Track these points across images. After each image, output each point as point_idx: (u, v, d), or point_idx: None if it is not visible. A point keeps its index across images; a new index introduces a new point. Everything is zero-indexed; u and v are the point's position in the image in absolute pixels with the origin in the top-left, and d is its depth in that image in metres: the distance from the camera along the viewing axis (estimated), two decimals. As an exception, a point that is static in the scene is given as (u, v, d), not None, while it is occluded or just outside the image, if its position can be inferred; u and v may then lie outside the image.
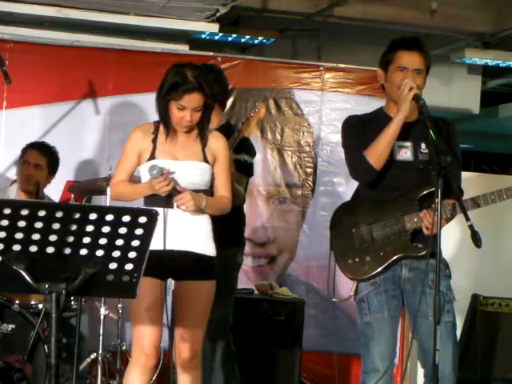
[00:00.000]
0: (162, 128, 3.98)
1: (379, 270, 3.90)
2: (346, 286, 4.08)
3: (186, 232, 3.88)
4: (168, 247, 3.81)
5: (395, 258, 3.90)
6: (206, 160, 3.95)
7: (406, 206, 3.91)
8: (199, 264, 3.92)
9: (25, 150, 5.35)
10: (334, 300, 4.06)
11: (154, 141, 3.95)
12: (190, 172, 3.90)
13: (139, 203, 3.95)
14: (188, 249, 3.88)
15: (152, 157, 3.92)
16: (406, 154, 3.94)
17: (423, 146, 3.95)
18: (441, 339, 3.60)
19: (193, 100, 3.87)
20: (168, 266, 3.83)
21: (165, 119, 3.94)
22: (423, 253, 3.83)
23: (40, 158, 5.31)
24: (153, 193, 3.85)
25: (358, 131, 4.01)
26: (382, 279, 3.92)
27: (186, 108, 3.87)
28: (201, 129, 3.97)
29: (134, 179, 4.05)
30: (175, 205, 3.84)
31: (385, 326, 3.92)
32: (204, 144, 3.98)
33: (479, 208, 3.89)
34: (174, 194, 3.82)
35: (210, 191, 3.98)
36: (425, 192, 3.88)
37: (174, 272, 3.90)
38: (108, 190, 4.90)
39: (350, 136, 4.06)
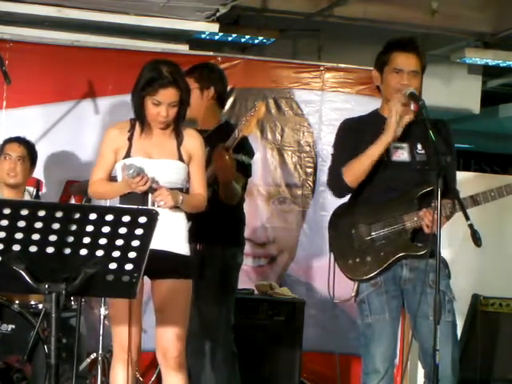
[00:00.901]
0: (138, 125, 3.98)
1: (380, 270, 3.91)
2: (345, 286, 4.08)
3: (161, 231, 3.84)
4: None
5: (395, 257, 3.90)
6: (181, 159, 3.95)
7: (405, 205, 3.91)
8: (175, 263, 3.91)
9: (3, 146, 5.32)
10: (335, 301, 4.05)
11: (130, 139, 3.95)
12: (166, 171, 3.90)
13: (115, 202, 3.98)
14: (163, 248, 3.85)
15: (127, 155, 3.92)
16: (402, 155, 3.94)
17: (419, 146, 3.95)
18: (441, 339, 3.60)
19: (168, 95, 3.87)
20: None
21: (140, 115, 3.94)
22: (423, 252, 3.83)
23: (22, 150, 5.26)
24: (129, 191, 3.85)
25: (349, 138, 4.02)
26: (383, 280, 3.93)
27: (162, 103, 3.87)
28: (176, 125, 3.96)
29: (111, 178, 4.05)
30: (150, 203, 3.83)
31: (386, 327, 3.92)
32: (179, 142, 3.98)
33: (480, 206, 3.90)
34: (151, 191, 3.82)
35: (185, 190, 3.98)
36: (423, 191, 3.89)
37: (150, 271, 3.88)
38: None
39: (339, 144, 4.08)
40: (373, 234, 3.94)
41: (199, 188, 4.02)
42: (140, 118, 3.95)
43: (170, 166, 3.93)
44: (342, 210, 4.07)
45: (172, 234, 3.91)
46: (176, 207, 3.88)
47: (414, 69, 3.91)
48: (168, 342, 3.91)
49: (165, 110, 3.88)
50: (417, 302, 3.81)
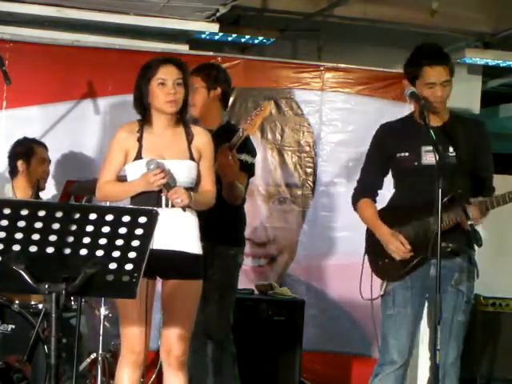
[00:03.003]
0: (147, 126, 3.98)
1: (407, 269, 4.01)
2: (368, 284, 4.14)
3: (173, 231, 3.87)
4: (156, 246, 3.81)
5: (419, 259, 3.98)
6: (192, 158, 3.96)
7: (433, 209, 3.91)
8: (187, 263, 3.91)
9: (32, 147, 5.35)
10: (365, 299, 4.12)
11: (140, 140, 3.94)
12: (178, 171, 3.90)
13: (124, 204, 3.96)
14: (176, 248, 3.87)
15: (138, 156, 3.91)
16: (432, 158, 3.92)
17: (451, 149, 4.03)
18: (451, 337, 3.82)
19: (170, 71, 3.92)
20: (156, 265, 3.81)
21: (144, 106, 3.95)
22: (449, 250, 3.93)
23: (47, 153, 5.37)
24: (144, 190, 3.85)
25: (378, 149, 4.19)
26: (410, 276, 4.03)
27: (167, 81, 3.90)
28: (182, 113, 3.98)
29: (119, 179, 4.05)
30: (164, 203, 3.84)
31: (406, 320, 4.02)
32: (189, 141, 3.99)
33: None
34: (167, 188, 3.81)
35: (195, 189, 3.98)
36: (447, 198, 3.91)
37: (161, 271, 3.90)
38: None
39: (369, 154, 4.25)
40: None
41: (208, 185, 4.02)
42: (146, 110, 3.95)
43: (182, 166, 3.93)
44: (379, 214, 4.16)
45: (183, 234, 3.91)
46: (188, 206, 3.88)
47: (446, 79, 4.03)
48: (173, 341, 3.92)
49: (171, 87, 3.89)
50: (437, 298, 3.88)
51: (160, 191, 3.83)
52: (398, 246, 4.00)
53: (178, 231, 3.88)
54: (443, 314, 3.77)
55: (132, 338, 3.89)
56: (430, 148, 3.92)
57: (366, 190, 4.23)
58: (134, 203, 3.92)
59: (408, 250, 3.99)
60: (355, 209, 4.24)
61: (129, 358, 3.90)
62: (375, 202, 4.22)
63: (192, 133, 4.01)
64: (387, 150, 4.14)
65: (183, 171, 3.92)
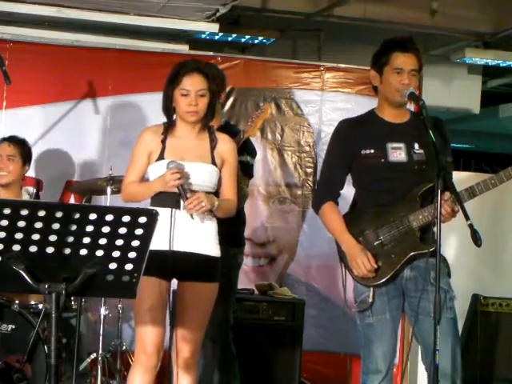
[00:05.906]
0: (171, 129, 4.00)
1: (393, 272, 3.90)
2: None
3: (192, 233, 3.89)
4: (174, 248, 3.83)
5: (407, 258, 3.89)
6: (214, 162, 3.97)
7: (408, 205, 3.91)
8: (204, 266, 3.93)
9: None
10: (353, 311, 4.03)
11: (164, 141, 3.96)
12: (198, 173, 3.91)
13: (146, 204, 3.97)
14: (194, 250, 3.89)
15: (161, 157, 3.93)
16: (400, 155, 3.94)
17: (416, 146, 3.96)
18: (442, 336, 3.60)
19: (194, 81, 3.90)
20: (173, 266, 3.84)
21: (170, 112, 3.96)
22: (433, 248, 3.77)
23: (11, 149, 5.18)
24: (161, 190, 3.86)
25: (342, 144, 4.04)
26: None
27: (190, 92, 3.89)
28: (206, 118, 3.98)
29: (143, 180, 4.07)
30: (182, 206, 3.85)
31: (387, 326, 3.92)
32: (213, 147, 3.99)
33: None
34: (183, 193, 3.81)
35: (216, 194, 3.98)
36: (424, 189, 3.89)
37: (178, 273, 3.91)
38: (108, 189, 4.91)
39: (332, 150, 4.10)
40: (380, 238, 3.93)
41: (230, 193, 4.03)
42: (170, 115, 3.97)
43: (202, 169, 3.93)
44: (346, 219, 4.03)
45: (201, 236, 3.92)
46: (209, 211, 3.89)
47: (414, 67, 3.94)
48: (183, 343, 3.93)
49: (194, 99, 3.89)
50: (418, 299, 3.81)
51: (179, 193, 3.83)
52: (364, 262, 3.85)
53: (195, 233, 3.89)
54: (431, 315, 3.72)
55: (145, 339, 3.88)
56: (397, 145, 3.92)
57: (329, 190, 4.07)
58: (153, 203, 3.93)
59: (373, 268, 3.86)
60: (317, 212, 4.09)
61: (141, 359, 3.90)
62: (337, 204, 4.06)
63: (216, 139, 4.02)
64: (351, 146, 3.99)
65: (204, 174, 3.93)
